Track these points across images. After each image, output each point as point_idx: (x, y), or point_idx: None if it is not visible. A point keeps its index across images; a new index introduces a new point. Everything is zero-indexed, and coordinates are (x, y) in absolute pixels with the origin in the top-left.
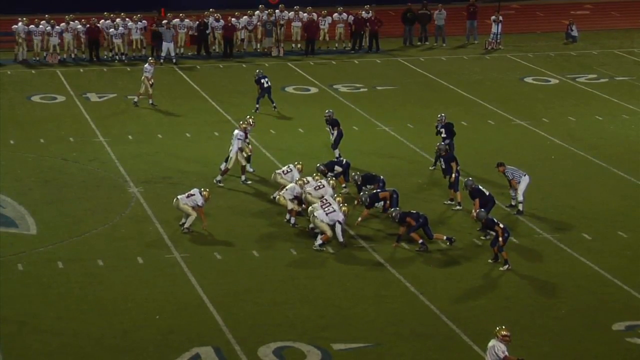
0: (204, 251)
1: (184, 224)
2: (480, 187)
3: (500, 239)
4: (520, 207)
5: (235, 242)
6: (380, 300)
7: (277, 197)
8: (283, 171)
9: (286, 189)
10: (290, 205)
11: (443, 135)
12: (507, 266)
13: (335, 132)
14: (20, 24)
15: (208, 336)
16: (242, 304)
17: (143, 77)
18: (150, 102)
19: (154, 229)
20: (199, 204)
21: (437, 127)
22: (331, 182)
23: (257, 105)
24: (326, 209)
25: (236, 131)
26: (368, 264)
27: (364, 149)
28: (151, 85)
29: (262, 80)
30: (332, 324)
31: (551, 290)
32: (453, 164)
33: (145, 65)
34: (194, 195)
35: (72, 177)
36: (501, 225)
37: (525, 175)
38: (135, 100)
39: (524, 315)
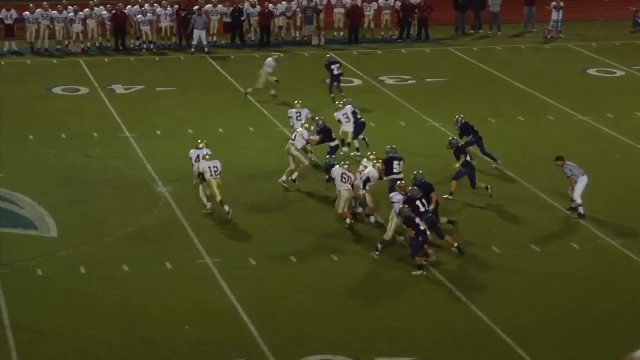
0: (237, 256)
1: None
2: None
3: (414, 242)
4: (581, 210)
5: (271, 247)
6: (427, 310)
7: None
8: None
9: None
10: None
11: (469, 138)
12: (420, 271)
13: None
14: (38, 10)
15: (241, 348)
16: (278, 313)
17: (263, 71)
18: (273, 92)
19: (184, 231)
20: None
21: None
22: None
23: (332, 95)
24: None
25: (299, 129)
26: (417, 277)
27: (411, 145)
28: (276, 81)
29: (332, 66)
30: (375, 336)
31: (617, 301)
32: (461, 156)
33: (268, 60)
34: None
35: (96, 176)
36: (421, 227)
37: (583, 175)
38: (249, 90)
39: (587, 328)
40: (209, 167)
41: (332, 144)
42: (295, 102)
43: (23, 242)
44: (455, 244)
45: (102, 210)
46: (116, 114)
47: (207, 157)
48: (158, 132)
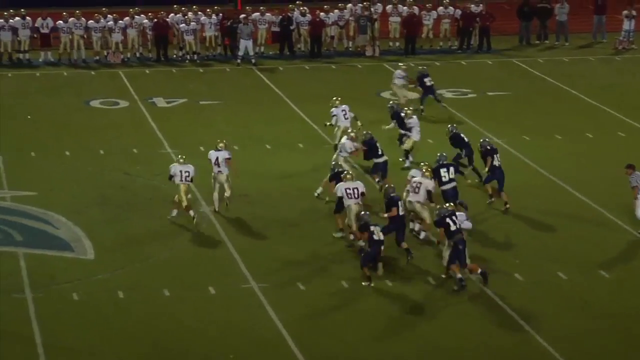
0: (285, 280)
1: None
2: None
3: (365, 252)
4: None
5: (321, 271)
6: (488, 338)
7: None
8: (413, 187)
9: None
10: (426, 217)
11: (461, 151)
12: (368, 283)
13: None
14: (71, 19)
15: None
16: (328, 341)
17: (395, 86)
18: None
19: (228, 254)
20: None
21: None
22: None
23: (422, 107)
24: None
25: (344, 140)
26: (473, 298)
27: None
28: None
29: (425, 79)
30: None
31: None
32: (488, 159)
33: (397, 71)
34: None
35: (135, 194)
36: (375, 237)
37: None
38: (421, 107)
39: None
40: (180, 172)
41: (380, 160)
42: (334, 98)
43: (58, 264)
44: (479, 271)
45: (141, 231)
46: (157, 128)
47: (181, 160)
48: (201, 148)
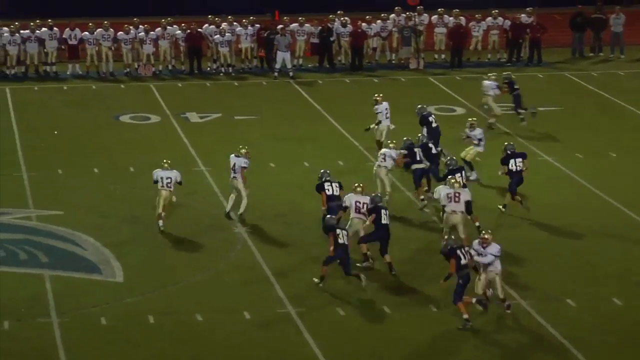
0: (324, 305)
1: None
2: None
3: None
4: None
5: (363, 294)
6: None
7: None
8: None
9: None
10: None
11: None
12: (319, 282)
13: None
14: (99, 30)
15: None
16: None
17: (487, 98)
18: (490, 122)
19: (264, 277)
20: None
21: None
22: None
23: (521, 116)
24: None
25: (386, 150)
26: (522, 325)
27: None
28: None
29: (516, 86)
30: None
31: None
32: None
33: (486, 82)
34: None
35: (167, 214)
36: (340, 241)
37: None
38: (491, 121)
39: None
40: (162, 178)
41: (419, 166)
42: (376, 95)
43: (86, 287)
44: (474, 300)
45: (173, 252)
46: (190, 145)
47: (165, 165)
48: None
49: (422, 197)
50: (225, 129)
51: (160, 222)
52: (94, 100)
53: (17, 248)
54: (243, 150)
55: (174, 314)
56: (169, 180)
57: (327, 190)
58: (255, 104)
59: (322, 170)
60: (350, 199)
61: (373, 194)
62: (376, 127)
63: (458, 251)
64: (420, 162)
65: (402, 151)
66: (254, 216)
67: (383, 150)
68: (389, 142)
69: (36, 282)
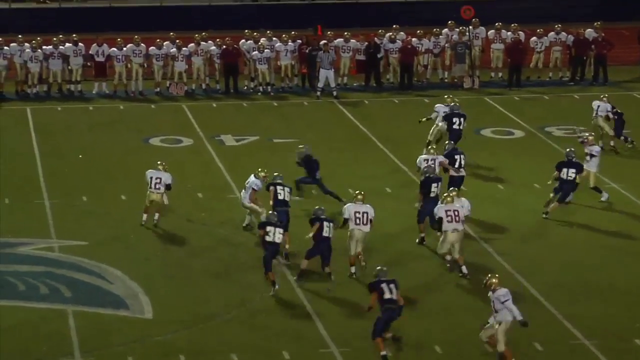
0: (370, 345)
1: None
2: None
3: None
4: None
5: (411, 332)
6: None
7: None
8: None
9: None
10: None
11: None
12: (274, 287)
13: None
14: (129, 45)
15: None
16: None
17: (600, 119)
18: (612, 144)
19: (305, 314)
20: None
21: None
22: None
23: (623, 137)
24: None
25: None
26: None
27: (586, 210)
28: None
29: (617, 110)
30: None
31: None
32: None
33: (601, 104)
34: None
35: (199, 245)
36: (268, 239)
37: None
38: (612, 143)
39: None
40: (151, 178)
41: (458, 174)
42: (446, 97)
43: (112, 324)
44: (389, 335)
45: (206, 286)
46: (225, 170)
47: (159, 167)
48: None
49: None
50: (263, 152)
51: (144, 217)
52: (122, 122)
53: (38, 281)
54: (262, 174)
55: (207, 354)
56: (158, 181)
57: (279, 194)
58: (296, 126)
59: (274, 174)
60: (349, 210)
61: (316, 207)
62: (436, 126)
63: (382, 285)
64: (459, 168)
65: (444, 160)
66: (293, 249)
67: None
68: (429, 147)
69: (58, 318)
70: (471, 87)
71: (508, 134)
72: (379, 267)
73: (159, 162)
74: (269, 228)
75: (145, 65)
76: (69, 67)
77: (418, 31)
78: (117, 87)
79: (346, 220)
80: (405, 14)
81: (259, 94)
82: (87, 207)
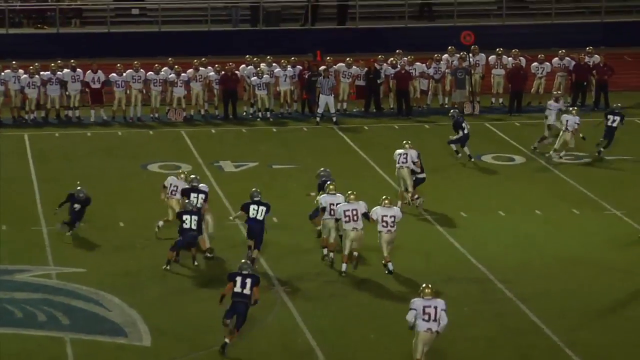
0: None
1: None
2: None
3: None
4: None
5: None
6: None
7: None
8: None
9: None
10: None
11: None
12: (165, 266)
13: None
14: (129, 71)
15: None
16: None
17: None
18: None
19: (305, 341)
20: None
21: None
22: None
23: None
24: None
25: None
26: None
27: (587, 238)
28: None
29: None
30: None
31: None
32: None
33: (567, 117)
34: None
35: (199, 272)
36: (185, 226)
37: None
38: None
39: None
40: (170, 184)
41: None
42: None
43: (110, 352)
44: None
45: (207, 314)
46: (224, 196)
47: (181, 176)
48: (275, 219)
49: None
50: (262, 179)
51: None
52: (120, 148)
53: (36, 309)
54: (182, 175)
55: None
56: (174, 189)
57: (251, 212)
58: (296, 151)
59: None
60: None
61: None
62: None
63: (238, 277)
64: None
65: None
66: (293, 274)
67: (402, 150)
68: (405, 142)
69: (56, 346)
70: (472, 112)
71: (509, 160)
72: (243, 260)
73: (182, 171)
74: (184, 217)
75: (144, 91)
76: (67, 93)
77: (408, 57)
78: (115, 113)
79: (324, 209)
80: (404, 39)
81: (258, 119)
82: (84, 234)
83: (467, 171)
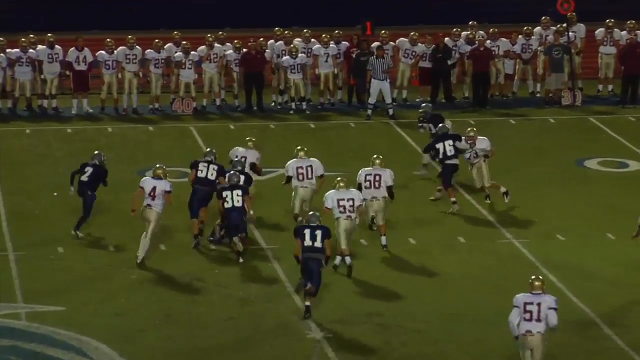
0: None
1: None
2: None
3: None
4: None
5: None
6: None
7: None
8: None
9: None
10: None
11: None
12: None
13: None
14: (121, 48)
15: None
16: None
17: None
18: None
19: None
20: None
21: None
22: None
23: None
24: None
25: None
26: None
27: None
28: None
29: None
30: None
31: None
32: None
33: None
34: None
35: (217, 310)
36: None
37: None
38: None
39: None
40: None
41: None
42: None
43: None
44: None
45: None
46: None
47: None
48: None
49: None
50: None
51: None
52: (111, 149)
53: (1, 359)
54: (159, 171)
55: None
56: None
57: (199, 171)
58: (339, 154)
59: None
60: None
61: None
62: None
63: (306, 230)
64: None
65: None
66: (336, 315)
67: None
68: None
69: None
70: (572, 103)
71: (622, 166)
72: (311, 212)
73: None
74: (225, 193)
75: (141, 75)
76: (42, 77)
77: (491, 30)
78: (104, 102)
79: (289, 179)
80: (483, 8)
81: (291, 112)
82: (64, 261)
83: (565, 180)
